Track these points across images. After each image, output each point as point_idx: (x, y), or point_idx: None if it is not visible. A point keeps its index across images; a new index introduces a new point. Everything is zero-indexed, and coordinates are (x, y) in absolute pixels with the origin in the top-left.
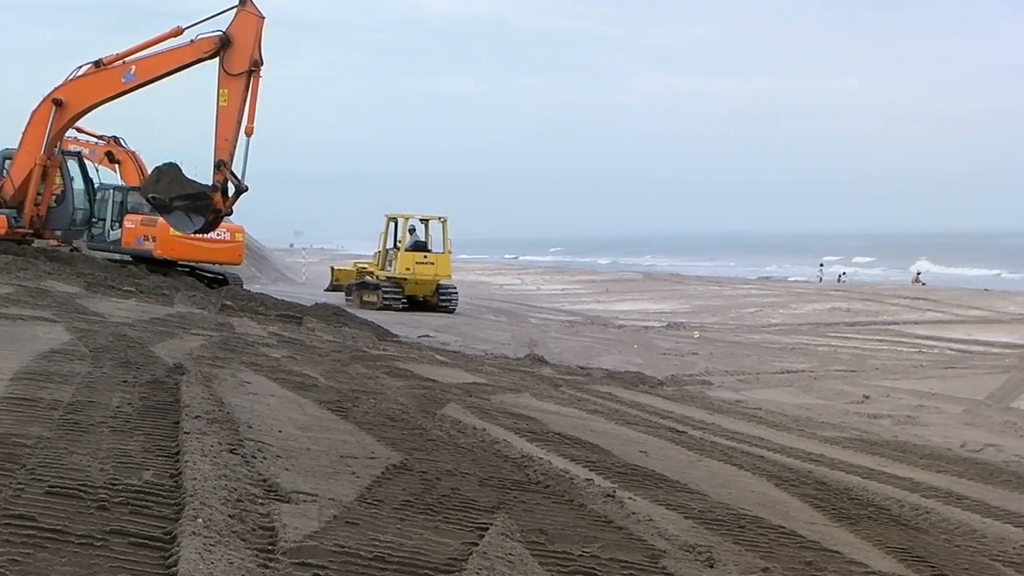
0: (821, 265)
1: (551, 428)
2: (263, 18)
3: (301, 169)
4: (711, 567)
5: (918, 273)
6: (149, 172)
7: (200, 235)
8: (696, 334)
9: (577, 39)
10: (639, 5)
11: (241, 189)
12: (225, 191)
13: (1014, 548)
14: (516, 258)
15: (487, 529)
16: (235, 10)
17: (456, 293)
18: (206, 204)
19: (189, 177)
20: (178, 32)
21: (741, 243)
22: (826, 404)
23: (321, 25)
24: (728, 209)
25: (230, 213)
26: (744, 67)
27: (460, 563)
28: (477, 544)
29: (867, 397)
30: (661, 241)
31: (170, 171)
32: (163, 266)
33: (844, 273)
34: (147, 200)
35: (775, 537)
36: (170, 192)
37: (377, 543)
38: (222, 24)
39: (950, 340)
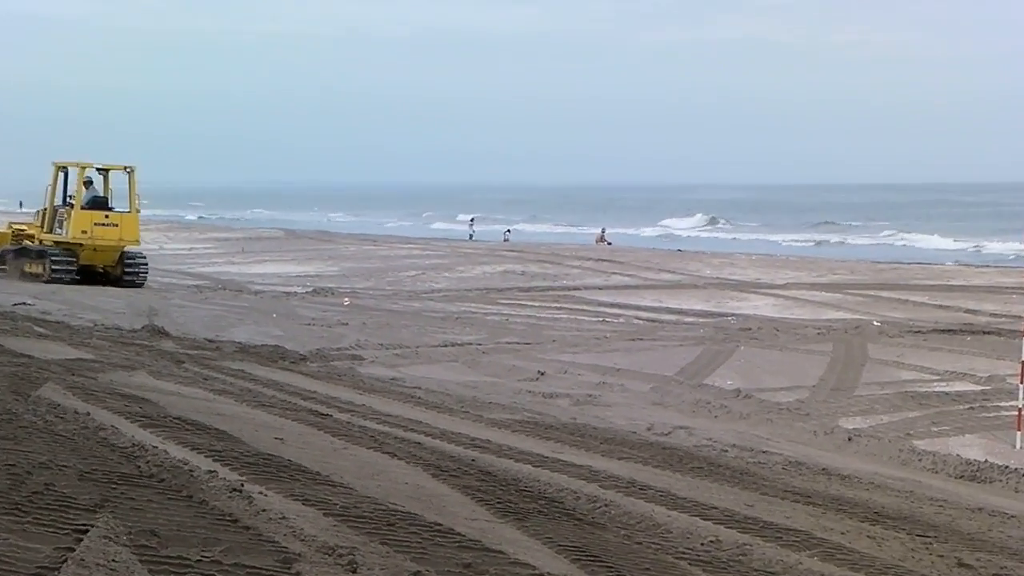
0: (472, 220)
1: (169, 412)
2: None
3: None
4: (353, 572)
5: (603, 231)
6: None
7: None
8: (346, 301)
9: None
10: None
11: None
12: None
13: (702, 544)
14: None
15: (87, 531)
16: None
17: (146, 263)
18: None
19: None
20: None
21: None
22: (495, 382)
23: None
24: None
25: None
26: None
27: (52, 572)
28: (74, 549)
29: (542, 374)
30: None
31: None
32: None
33: (509, 231)
34: None
35: (429, 536)
36: None
37: None
38: None
39: (638, 308)
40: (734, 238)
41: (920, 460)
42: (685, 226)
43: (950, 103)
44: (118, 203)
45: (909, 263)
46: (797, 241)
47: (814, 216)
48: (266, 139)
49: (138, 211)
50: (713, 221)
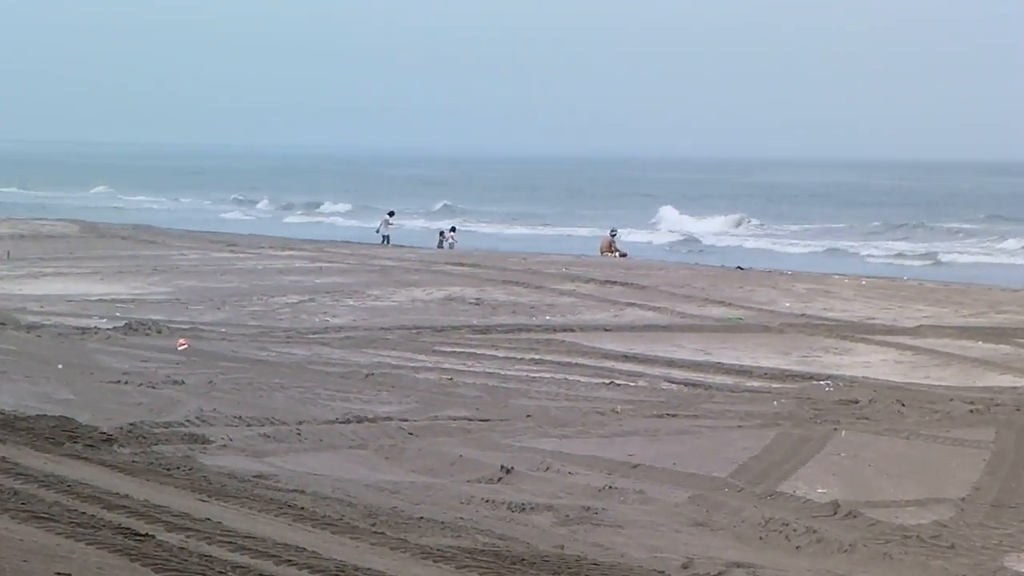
0: (390, 215)
1: None
2: None
3: None
4: None
5: (612, 234)
6: None
7: None
8: (182, 343)
9: None
10: None
11: None
12: None
13: None
14: None
15: None
16: None
17: None
18: None
19: None
20: None
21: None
22: (430, 483)
23: None
24: None
25: None
26: None
27: None
28: None
29: (509, 471)
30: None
31: None
32: None
33: (453, 230)
34: None
35: None
36: None
37: None
38: None
39: (670, 363)
40: (784, 248)
41: None
42: (710, 228)
43: None
44: None
45: None
46: (895, 258)
47: (880, 213)
48: None
49: None
50: (739, 218)
